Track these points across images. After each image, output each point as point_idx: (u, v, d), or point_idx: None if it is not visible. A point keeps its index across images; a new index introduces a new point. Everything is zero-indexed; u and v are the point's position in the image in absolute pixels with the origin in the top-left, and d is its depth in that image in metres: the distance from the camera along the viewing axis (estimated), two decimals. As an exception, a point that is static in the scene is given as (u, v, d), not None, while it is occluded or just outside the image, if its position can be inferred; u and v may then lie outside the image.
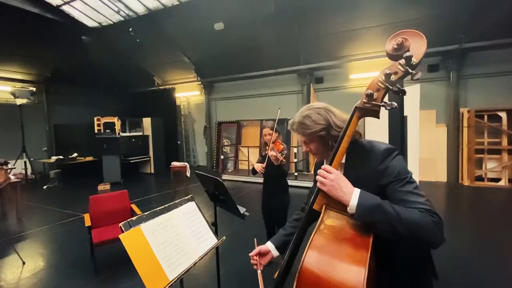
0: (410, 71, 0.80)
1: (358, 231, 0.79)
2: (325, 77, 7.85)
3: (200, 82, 9.57)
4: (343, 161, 0.95)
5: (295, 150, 7.49)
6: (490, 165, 6.09)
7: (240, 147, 8.91)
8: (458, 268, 2.79)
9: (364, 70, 6.99)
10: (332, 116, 0.98)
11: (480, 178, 6.12)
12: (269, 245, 1.14)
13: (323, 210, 0.86)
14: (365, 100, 0.86)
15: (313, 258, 0.74)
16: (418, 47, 0.81)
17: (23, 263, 3.04)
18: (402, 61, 0.81)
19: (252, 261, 1.10)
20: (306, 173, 7.67)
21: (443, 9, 5.49)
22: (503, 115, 5.89)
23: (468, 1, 5.26)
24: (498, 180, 5.99)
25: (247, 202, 5.21)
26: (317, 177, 0.86)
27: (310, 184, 7.57)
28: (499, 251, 3.13)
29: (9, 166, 5.14)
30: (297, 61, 7.64)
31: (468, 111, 6.14)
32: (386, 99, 0.87)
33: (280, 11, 6.35)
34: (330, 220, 0.83)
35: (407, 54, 0.79)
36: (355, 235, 0.78)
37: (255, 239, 1.18)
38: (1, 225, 4.43)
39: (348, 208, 0.79)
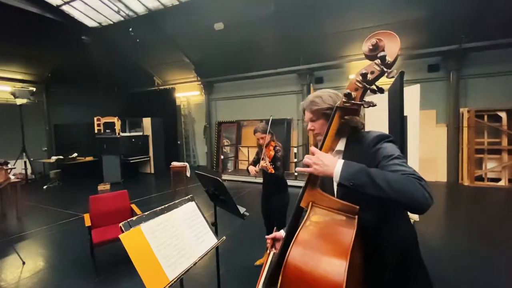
0: (385, 69, 0.82)
1: (342, 226, 0.81)
2: (325, 77, 7.85)
3: (200, 82, 9.57)
4: (342, 148, 1.03)
5: (295, 150, 7.49)
6: (490, 165, 6.09)
7: (240, 147, 8.92)
8: (458, 267, 2.79)
9: (364, 70, 6.99)
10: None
11: (480, 178, 6.12)
12: (282, 233, 1.23)
13: (309, 207, 0.88)
14: (344, 100, 0.89)
15: (297, 253, 0.76)
16: (392, 46, 0.84)
17: (23, 263, 3.04)
18: (378, 60, 0.84)
19: (267, 245, 1.21)
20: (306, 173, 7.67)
21: (443, 9, 5.49)
22: (503, 115, 5.89)
23: (468, 1, 5.26)
24: (498, 180, 5.99)
25: (247, 202, 5.21)
26: (304, 160, 0.90)
27: (310, 184, 7.57)
28: (499, 251, 3.13)
29: (9, 166, 5.14)
30: (297, 61, 7.64)
31: (468, 111, 6.14)
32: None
33: (280, 11, 6.36)
34: (316, 216, 0.86)
35: (382, 53, 0.82)
36: (339, 230, 0.80)
37: (275, 228, 1.31)
38: (1, 225, 4.43)
39: (333, 178, 0.82)
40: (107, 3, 6.92)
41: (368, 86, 0.86)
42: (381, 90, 0.86)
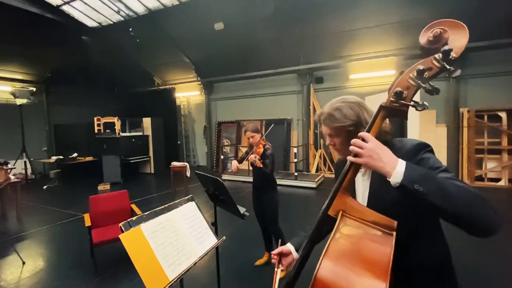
0: (448, 67, 0.70)
1: (377, 243, 0.71)
2: (325, 77, 7.85)
3: (200, 82, 9.57)
4: None
5: (295, 150, 7.49)
6: (490, 165, 6.08)
7: (240, 147, 8.91)
8: (458, 268, 2.79)
9: (364, 70, 6.99)
10: (364, 112, 0.92)
11: (480, 178, 6.12)
12: (290, 247, 1.12)
13: (339, 217, 0.77)
14: (393, 99, 0.76)
15: (327, 270, 0.68)
16: (458, 39, 0.71)
17: (23, 263, 3.04)
18: (439, 55, 0.70)
19: (272, 260, 1.10)
20: (306, 173, 7.67)
21: (443, 9, 5.48)
22: (503, 115, 5.89)
23: (468, 1, 5.26)
24: (498, 180, 5.99)
25: (247, 202, 5.18)
26: (351, 147, 0.76)
27: (310, 184, 7.41)
28: (499, 251, 3.13)
29: (9, 166, 5.14)
30: (297, 61, 7.64)
31: (468, 111, 6.14)
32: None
33: (280, 11, 6.36)
34: (346, 228, 0.75)
35: (446, 47, 0.68)
36: (375, 246, 0.71)
37: (279, 241, 1.19)
38: (1, 225, 4.43)
39: (391, 177, 0.69)
40: (107, 3, 6.91)
41: (422, 85, 0.73)
42: (437, 91, 0.72)
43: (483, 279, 2.60)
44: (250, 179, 7.39)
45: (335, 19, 6.39)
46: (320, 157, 7.75)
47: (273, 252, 1.09)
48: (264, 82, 8.60)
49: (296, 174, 6.76)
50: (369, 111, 0.93)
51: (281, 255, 1.07)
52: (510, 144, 5.88)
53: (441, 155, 6.55)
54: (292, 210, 4.77)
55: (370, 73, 6.85)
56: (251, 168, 2.77)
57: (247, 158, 2.64)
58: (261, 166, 2.53)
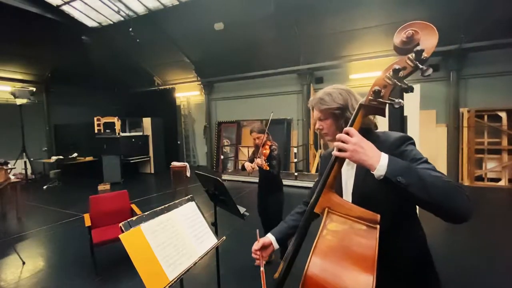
0: (420, 66, 0.75)
1: (362, 237, 0.74)
2: (325, 77, 7.85)
3: (200, 82, 9.57)
4: None
5: (295, 150, 7.49)
6: (490, 165, 6.09)
7: (240, 147, 8.91)
8: (458, 268, 2.79)
9: (364, 70, 6.99)
10: (352, 99, 0.98)
11: (480, 178, 6.12)
12: (271, 237, 1.13)
13: (325, 214, 0.80)
14: (371, 98, 0.81)
15: (317, 267, 0.70)
16: (428, 40, 0.76)
17: (23, 263, 3.04)
18: (412, 55, 0.75)
19: (254, 256, 1.06)
20: (306, 173, 7.67)
21: (443, 9, 5.49)
22: (503, 115, 5.89)
23: (468, 1, 5.26)
24: (498, 180, 5.99)
25: (247, 202, 5.21)
26: (336, 143, 0.78)
27: (310, 184, 7.46)
28: (499, 251, 3.13)
29: (9, 166, 5.14)
30: (297, 61, 7.64)
31: (468, 111, 6.14)
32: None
33: (280, 11, 6.36)
34: (332, 224, 0.78)
35: (418, 48, 0.73)
36: (360, 241, 0.74)
37: (257, 231, 1.11)
38: (1, 225, 4.43)
39: (375, 171, 0.73)
40: (107, 3, 6.91)
41: (398, 83, 0.77)
42: (411, 89, 0.77)
43: (484, 279, 2.60)
44: (250, 179, 7.38)
45: (335, 19, 6.39)
46: (320, 157, 7.76)
47: (254, 248, 1.05)
48: (264, 82, 8.60)
49: (296, 174, 6.76)
50: (358, 98, 0.98)
51: (262, 249, 1.07)
52: (510, 144, 5.88)
53: (441, 155, 6.55)
54: (287, 208, 4.77)
55: (370, 73, 6.85)
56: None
57: (255, 163, 2.59)
58: (268, 168, 2.49)
